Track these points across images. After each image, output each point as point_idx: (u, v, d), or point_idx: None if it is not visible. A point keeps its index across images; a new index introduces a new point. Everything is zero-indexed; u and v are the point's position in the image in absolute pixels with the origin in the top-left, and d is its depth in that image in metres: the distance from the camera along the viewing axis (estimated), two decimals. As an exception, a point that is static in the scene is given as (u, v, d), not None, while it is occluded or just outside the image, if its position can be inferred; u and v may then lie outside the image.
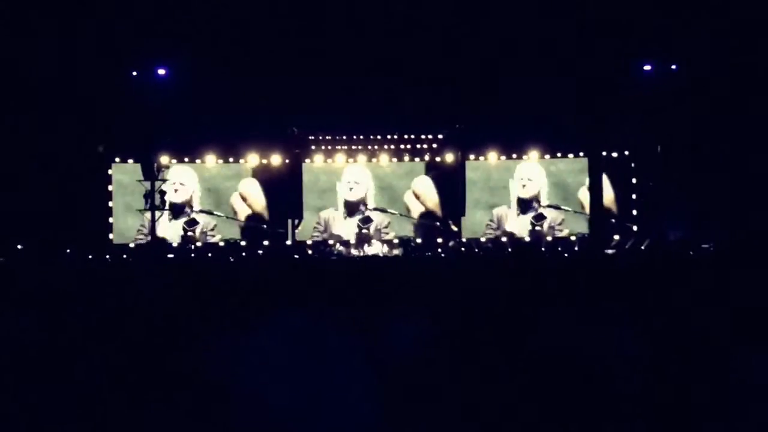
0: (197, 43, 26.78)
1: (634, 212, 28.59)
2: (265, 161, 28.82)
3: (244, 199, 28.67)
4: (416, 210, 28.75)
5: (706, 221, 25.48)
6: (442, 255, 26.77)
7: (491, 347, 5.10)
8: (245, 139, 28.41)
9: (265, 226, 28.36)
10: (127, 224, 28.18)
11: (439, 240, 28.36)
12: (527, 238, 28.49)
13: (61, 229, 26.24)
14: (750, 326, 5.15)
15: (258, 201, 28.69)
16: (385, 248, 28.21)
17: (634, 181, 28.70)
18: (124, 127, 27.30)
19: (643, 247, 26.44)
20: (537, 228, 28.54)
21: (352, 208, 28.75)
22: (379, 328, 5.23)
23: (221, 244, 28.25)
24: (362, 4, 27.06)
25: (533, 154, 28.93)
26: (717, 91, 26.32)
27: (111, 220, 28.16)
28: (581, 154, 28.93)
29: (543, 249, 27.32)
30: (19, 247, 26.17)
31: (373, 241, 28.34)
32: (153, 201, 26.54)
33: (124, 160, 28.29)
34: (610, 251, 26.05)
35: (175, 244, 28.14)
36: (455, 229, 28.67)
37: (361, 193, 28.83)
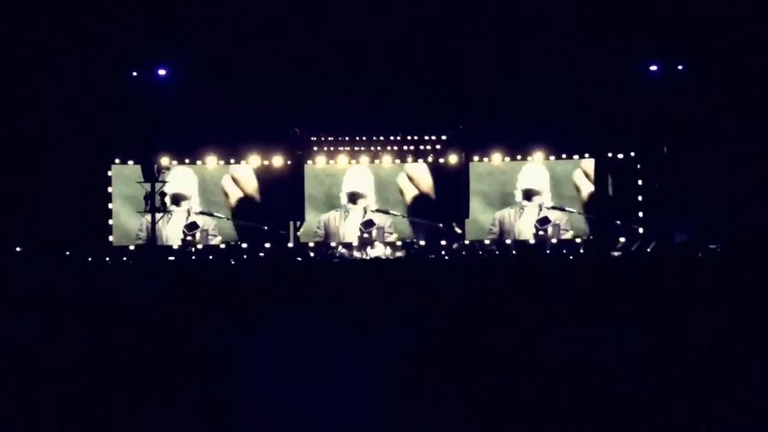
0: (198, 44, 26.68)
1: (640, 214, 28.40)
2: (266, 162, 28.63)
3: (235, 181, 28.46)
4: (410, 193, 28.49)
5: (713, 222, 25.31)
6: (446, 257, 26.58)
7: (494, 348, 5.08)
8: (247, 140, 28.25)
9: (266, 227, 28.15)
10: (127, 226, 28.01)
11: (443, 242, 28.16)
12: (532, 241, 28.29)
13: (61, 230, 26.16)
14: (757, 326, 5.14)
15: (250, 184, 28.47)
16: (388, 250, 28.03)
17: (639, 182, 28.51)
18: (124, 128, 27.18)
19: (649, 249, 26.26)
20: (541, 233, 28.36)
21: (353, 211, 28.56)
22: (379, 329, 5.21)
23: (222, 246, 28.08)
24: (364, 4, 26.94)
25: (538, 156, 28.72)
26: (723, 92, 26.19)
27: (111, 221, 28.00)
28: (587, 155, 28.74)
29: (548, 251, 27.15)
30: (18, 249, 26.10)
31: (376, 243, 28.16)
32: (153, 202, 26.40)
33: (124, 162, 28.16)
34: (616, 253, 25.89)
35: (175, 247, 27.98)
36: (459, 231, 28.48)
37: (363, 194, 28.62)
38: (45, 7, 26.47)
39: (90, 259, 25.47)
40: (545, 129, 28.08)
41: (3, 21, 26.19)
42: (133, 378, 4.91)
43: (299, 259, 26.38)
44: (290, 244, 28.05)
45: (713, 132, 26.67)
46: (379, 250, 28.01)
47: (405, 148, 29.03)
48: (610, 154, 28.52)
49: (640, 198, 28.47)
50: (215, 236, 28.25)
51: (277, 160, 28.66)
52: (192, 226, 28.16)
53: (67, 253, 25.87)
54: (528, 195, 28.59)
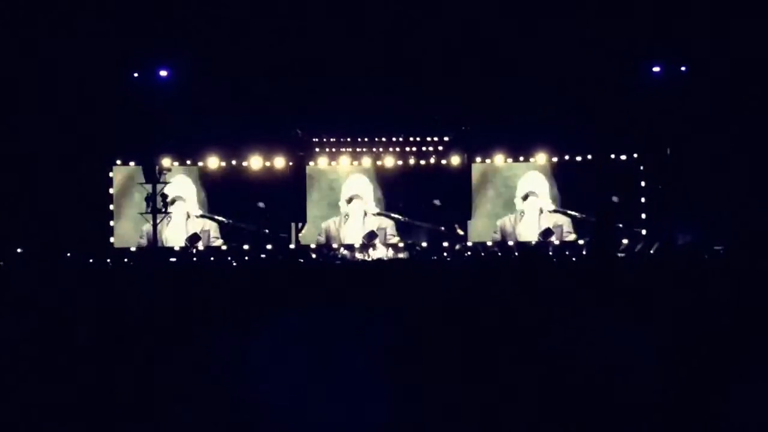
0: (199, 44, 26.66)
1: (643, 216, 28.34)
2: (268, 164, 28.58)
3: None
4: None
5: (717, 223, 25.27)
6: (448, 259, 26.53)
7: (497, 349, 5.12)
8: (248, 141, 28.21)
9: (267, 230, 28.08)
10: (128, 227, 27.97)
11: (445, 244, 28.09)
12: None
13: (62, 232, 26.15)
14: (758, 326, 5.21)
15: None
16: (390, 252, 27.97)
17: (642, 184, 28.45)
18: (125, 130, 27.15)
19: (652, 251, 26.20)
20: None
21: (353, 215, 28.50)
22: (379, 329, 5.25)
23: (224, 248, 28.04)
24: (366, 4, 26.91)
25: (540, 157, 28.65)
26: (726, 94, 26.17)
27: (112, 223, 27.96)
28: (589, 156, 28.68)
29: (551, 253, 27.10)
30: (19, 250, 26.09)
31: (378, 245, 28.12)
32: (155, 204, 26.36)
33: (125, 163, 28.13)
34: (619, 255, 25.81)
35: (176, 248, 27.94)
36: (461, 233, 28.41)
37: (361, 197, 28.55)
38: (46, 8, 26.47)
39: (91, 260, 25.49)
40: (548, 130, 28.04)
41: (3, 21, 26.19)
42: (134, 378, 4.93)
43: (301, 260, 26.36)
44: (292, 246, 28.00)
45: (716, 133, 26.63)
46: (381, 252, 27.96)
47: (407, 149, 28.97)
48: (612, 156, 28.47)
49: (642, 199, 28.42)
50: (217, 238, 28.20)
51: (279, 162, 28.62)
52: (193, 239, 28.10)
53: (68, 254, 25.86)
54: (527, 198, 28.54)
